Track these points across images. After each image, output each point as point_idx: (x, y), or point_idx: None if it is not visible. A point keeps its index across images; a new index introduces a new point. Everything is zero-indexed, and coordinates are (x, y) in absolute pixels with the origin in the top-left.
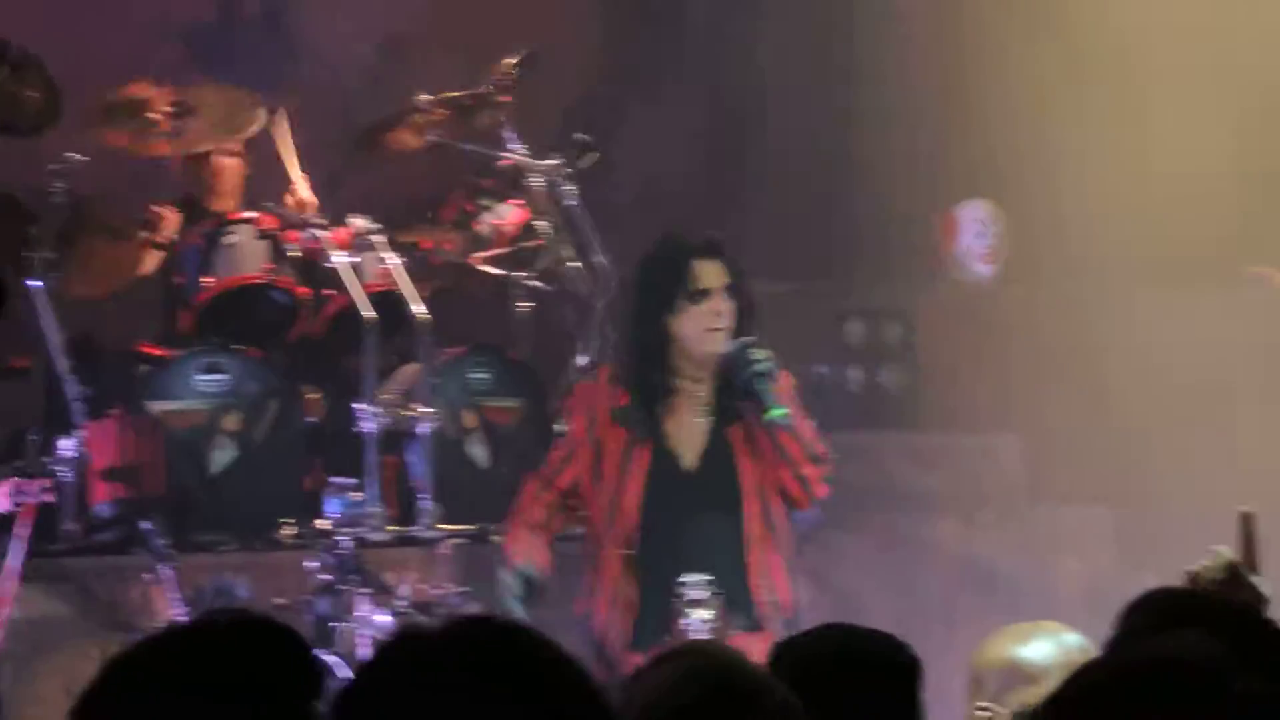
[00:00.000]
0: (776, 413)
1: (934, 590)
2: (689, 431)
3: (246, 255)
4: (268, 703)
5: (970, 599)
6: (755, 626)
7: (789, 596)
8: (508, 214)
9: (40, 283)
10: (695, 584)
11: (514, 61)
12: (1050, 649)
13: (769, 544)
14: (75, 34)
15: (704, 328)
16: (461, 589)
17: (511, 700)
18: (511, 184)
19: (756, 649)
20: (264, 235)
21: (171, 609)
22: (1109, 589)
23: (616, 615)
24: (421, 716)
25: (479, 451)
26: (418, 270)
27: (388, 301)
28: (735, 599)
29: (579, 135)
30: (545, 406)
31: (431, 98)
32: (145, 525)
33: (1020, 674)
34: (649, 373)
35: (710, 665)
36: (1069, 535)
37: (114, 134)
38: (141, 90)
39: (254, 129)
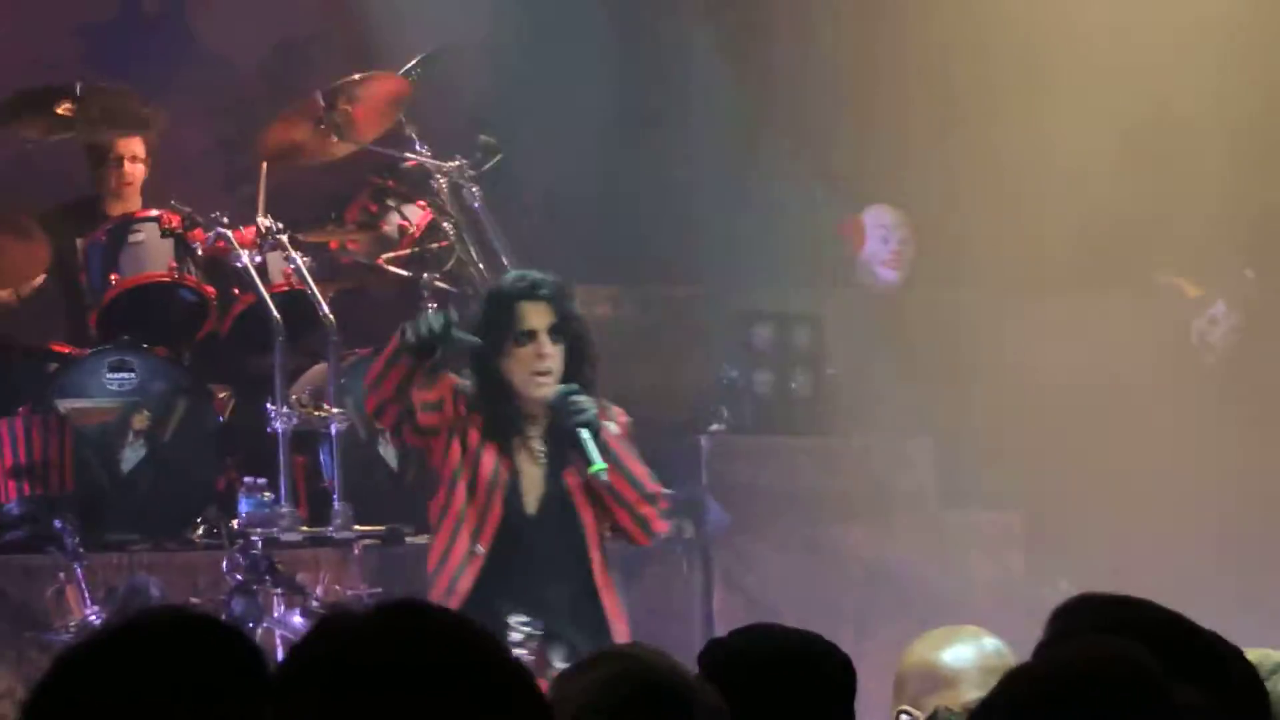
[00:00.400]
0: (596, 469)
1: (845, 594)
2: (529, 478)
3: (152, 253)
4: (220, 703)
5: (882, 603)
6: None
7: (627, 634)
8: (413, 215)
9: None
10: (519, 624)
11: (416, 61)
12: (968, 653)
13: (610, 588)
14: None
15: (530, 371)
16: (374, 589)
17: (440, 685)
18: (416, 185)
19: None
20: (168, 234)
21: (84, 608)
22: (1020, 592)
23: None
24: (353, 702)
25: (388, 452)
26: (324, 270)
27: (295, 301)
28: (591, 642)
29: (483, 137)
30: None
31: (330, 89)
32: (56, 523)
33: (938, 677)
34: (501, 413)
35: (641, 668)
36: (980, 538)
37: (18, 127)
38: (43, 89)
39: (152, 130)
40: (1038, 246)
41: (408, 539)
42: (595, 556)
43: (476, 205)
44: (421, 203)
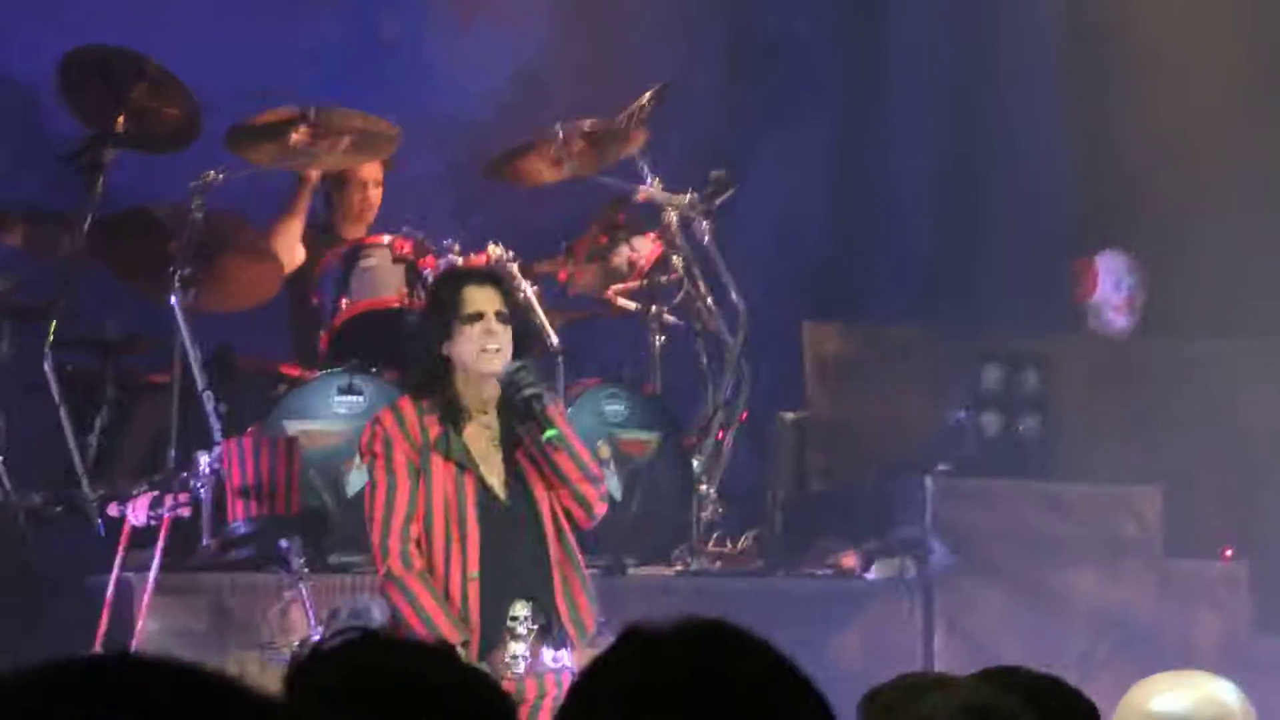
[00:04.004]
0: (551, 433)
1: (1067, 639)
2: (490, 461)
3: (382, 279)
4: None
5: (1104, 649)
6: (560, 646)
7: (590, 616)
8: (643, 248)
9: (178, 299)
10: (524, 616)
11: (649, 96)
12: (1184, 699)
13: (568, 565)
14: (213, 50)
15: (478, 349)
16: (599, 619)
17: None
18: (647, 218)
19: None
20: (399, 260)
21: (309, 627)
22: (1245, 642)
23: (466, 640)
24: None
25: (613, 483)
26: (552, 300)
27: (522, 330)
28: (546, 623)
29: (715, 171)
30: (679, 441)
31: (567, 126)
32: (282, 544)
33: None
34: (443, 399)
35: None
36: (1206, 587)
37: (253, 153)
38: (281, 114)
39: (388, 154)
40: (1273, 292)
41: (630, 571)
42: (550, 533)
43: (706, 240)
44: (651, 235)
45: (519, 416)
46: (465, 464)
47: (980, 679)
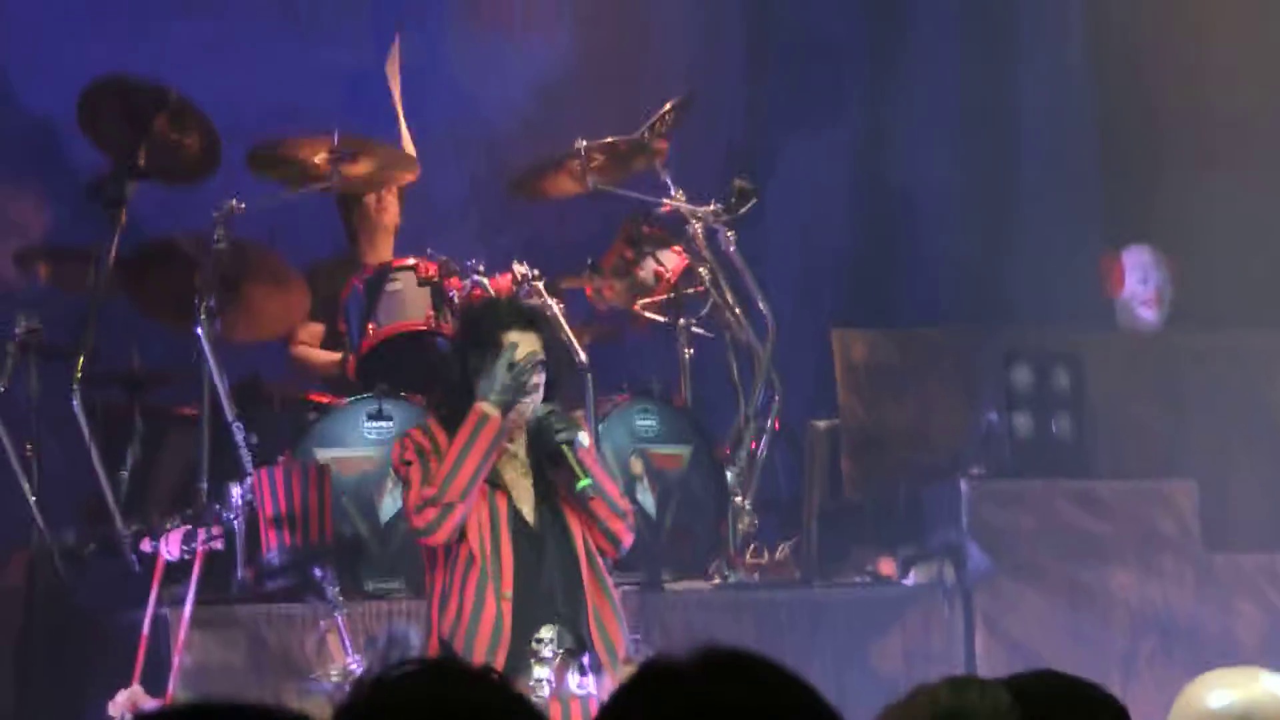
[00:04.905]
0: (584, 484)
1: (1109, 638)
2: (520, 488)
3: (409, 302)
4: None
5: (1145, 647)
6: (593, 672)
7: (621, 640)
8: (669, 261)
9: (203, 330)
10: (549, 639)
11: (670, 106)
12: (1252, 695)
13: (598, 591)
14: (232, 79)
15: None
16: (634, 636)
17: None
18: (671, 230)
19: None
20: (425, 282)
21: (346, 656)
22: None
23: (497, 660)
24: None
25: (646, 499)
26: (580, 316)
27: (551, 348)
28: (574, 648)
29: (739, 180)
30: (712, 453)
31: (589, 143)
32: (316, 572)
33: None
34: None
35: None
36: (1245, 581)
37: (275, 175)
38: (301, 145)
39: (408, 179)
40: None
41: (667, 586)
42: (583, 561)
43: (731, 249)
44: (676, 248)
45: (550, 461)
46: (499, 484)
47: (1001, 684)
